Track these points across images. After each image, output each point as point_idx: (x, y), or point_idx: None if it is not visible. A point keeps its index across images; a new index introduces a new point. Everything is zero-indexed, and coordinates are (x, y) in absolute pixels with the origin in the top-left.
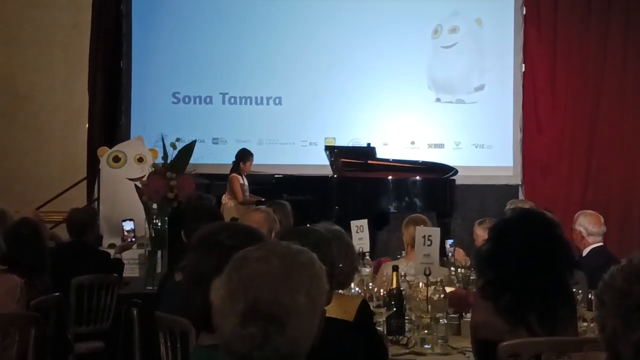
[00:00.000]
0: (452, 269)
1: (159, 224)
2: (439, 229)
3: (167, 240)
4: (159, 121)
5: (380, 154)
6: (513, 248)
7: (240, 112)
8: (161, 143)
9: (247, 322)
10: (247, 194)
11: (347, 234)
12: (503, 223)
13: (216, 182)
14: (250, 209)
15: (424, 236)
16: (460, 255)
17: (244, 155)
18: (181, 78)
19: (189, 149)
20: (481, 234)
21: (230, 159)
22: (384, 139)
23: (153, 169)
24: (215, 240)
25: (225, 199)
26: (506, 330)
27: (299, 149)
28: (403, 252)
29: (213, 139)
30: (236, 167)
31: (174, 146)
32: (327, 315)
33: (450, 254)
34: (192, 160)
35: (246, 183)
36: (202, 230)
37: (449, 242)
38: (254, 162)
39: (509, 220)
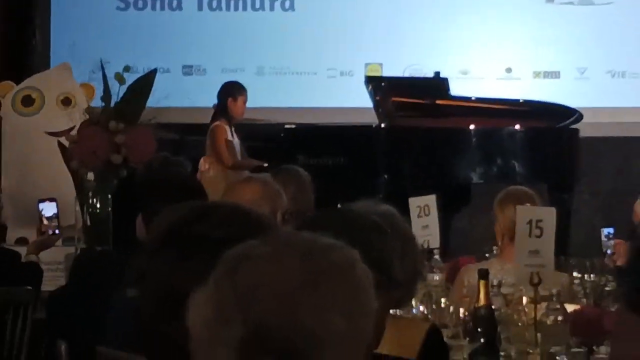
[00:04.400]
0: (577, 274)
1: (99, 206)
2: (554, 209)
3: (112, 231)
4: (96, 39)
5: (456, 89)
6: None
7: (228, 22)
8: (100, 74)
9: (246, 359)
10: (239, 154)
11: (404, 218)
12: None
13: (190, 136)
14: (241, 178)
15: (531, 221)
16: (623, 251)
17: (232, 92)
18: None
19: (145, 85)
20: None
21: (211, 99)
22: (461, 65)
23: (87, 116)
24: (193, 231)
25: (204, 163)
26: None
27: (323, 81)
28: (495, 248)
29: (184, 67)
30: (221, 111)
31: (120, 79)
32: (376, 350)
33: (609, 251)
34: (152, 103)
35: (236, 138)
36: (172, 215)
37: (606, 231)
38: (250, 104)
39: None
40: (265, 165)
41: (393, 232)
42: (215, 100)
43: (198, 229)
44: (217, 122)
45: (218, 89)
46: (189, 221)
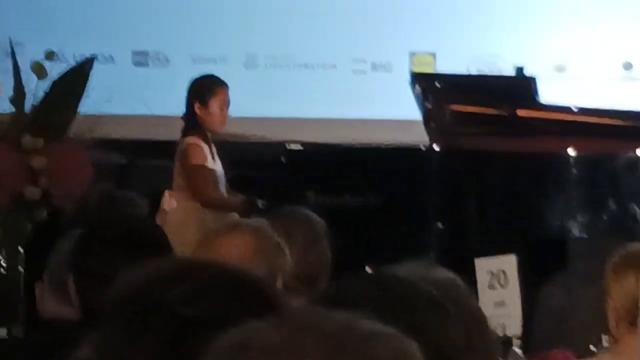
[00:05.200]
0: None
1: (4, 263)
2: None
3: (24, 303)
4: (3, 9)
5: (547, 93)
6: None
7: None
8: (9, 61)
9: None
10: (221, 185)
11: (469, 290)
12: None
13: (145, 159)
14: (226, 222)
15: None
16: None
17: (201, 93)
18: None
19: (77, 80)
20: None
21: (178, 103)
22: (556, 59)
23: None
24: (156, 305)
25: (169, 199)
26: None
27: (346, 79)
28: (605, 337)
29: (136, 53)
30: (190, 123)
31: (40, 71)
32: None
33: None
34: (88, 107)
35: (219, 164)
36: (124, 281)
37: None
38: (235, 111)
39: None
40: (260, 204)
41: (456, 312)
42: (182, 100)
43: (162, 302)
44: (189, 139)
45: (185, 86)
46: (150, 291)
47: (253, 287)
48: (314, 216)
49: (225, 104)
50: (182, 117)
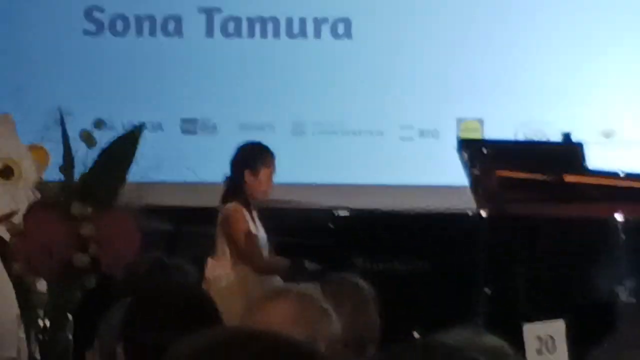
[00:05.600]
0: None
1: (54, 332)
2: None
3: None
4: (53, 79)
5: (597, 159)
6: None
7: (251, 54)
8: (59, 131)
9: None
10: (266, 251)
11: (517, 357)
12: None
13: (193, 226)
14: (271, 288)
15: None
16: None
17: (251, 161)
18: None
19: (126, 148)
20: None
21: (225, 169)
22: (604, 124)
23: (39, 195)
24: None
25: (213, 266)
26: None
27: (393, 145)
28: None
29: (184, 121)
30: (235, 189)
31: (89, 140)
32: None
33: None
34: (136, 175)
35: (261, 229)
36: (177, 351)
37: None
38: (281, 178)
39: None
40: (308, 266)
41: None
42: (227, 167)
43: None
44: (230, 206)
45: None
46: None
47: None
48: (363, 282)
49: (271, 175)
50: (224, 182)
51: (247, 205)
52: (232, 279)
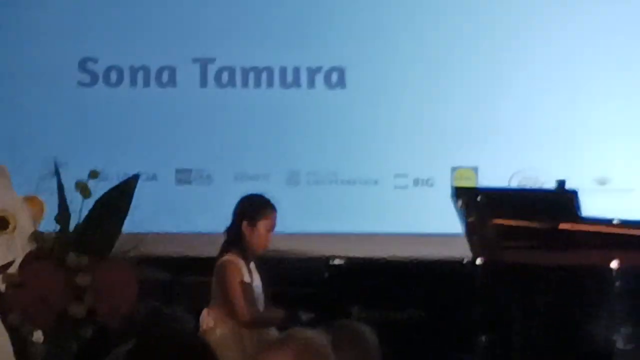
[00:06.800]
0: None
1: None
2: None
3: None
4: (47, 130)
5: (591, 206)
6: None
7: (245, 104)
8: (54, 182)
9: None
10: (261, 302)
11: None
12: None
13: (189, 276)
14: (269, 338)
15: None
16: None
17: (251, 212)
18: (96, 34)
19: (122, 199)
20: None
21: (220, 220)
22: (598, 171)
23: (34, 245)
24: None
25: (207, 318)
26: None
27: (388, 194)
28: None
29: (179, 171)
30: (232, 240)
31: (84, 191)
32: None
33: None
34: (131, 226)
35: (257, 279)
36: None
37: None
38: (278, 227)
39: None
40: (303, 317)
41: None
42: (227, 220)
43: None
44: (226, 257)
45: (228, 203)
46: None
47: None
48: (367, 329)
49: (271, 228)
50: (224, 232)
51: (245, 257)
52: (226, 330)
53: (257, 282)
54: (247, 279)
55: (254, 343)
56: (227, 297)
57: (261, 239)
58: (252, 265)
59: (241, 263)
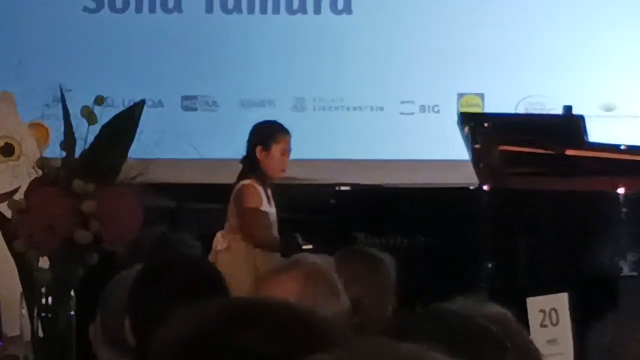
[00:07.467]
0: None
1: (57, 309)
2: None
3: (76, 348)
4: (53, 55)
5: (598, 132)
6: None
7: (250, 30)
8: (60, 108)
9: None
10: (275, 226)
11: (521, 325)
12: None
13: (195, 202)
14: (278, 264)
15: None
16: None
17: (263, 138)
18: None
19: (127, 125)
20: None
21: (226, 146)
22: (605, 98)
23: (40, 172)
24: (234, 344)
25: (222, 239)
26: None
27: (394, 121)
28: None
29: (185, 98)
30: (249, 167)
31: (91, 118)
32: None
33: None
34: (137, 152)
35: (273, 207)
36: (195, 320)
37: None
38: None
39: None
40: (299, 240)
41: (512, 347)
42: (241, 145)
43: (241, 341)
44: (246, 181)
45: (234, 130)
46: (226, 329)
47: (321, 327)
48: (376, 253)
49: (287, 151)
50: (241, 160)
51: (263, 183)
52: (239, 253)
53: (273, 210)
54: (265, 203)
55: (266, 266)
56: (245, 220)
57: (276, 163)
58: (270, 193)
59: (259, 188)
